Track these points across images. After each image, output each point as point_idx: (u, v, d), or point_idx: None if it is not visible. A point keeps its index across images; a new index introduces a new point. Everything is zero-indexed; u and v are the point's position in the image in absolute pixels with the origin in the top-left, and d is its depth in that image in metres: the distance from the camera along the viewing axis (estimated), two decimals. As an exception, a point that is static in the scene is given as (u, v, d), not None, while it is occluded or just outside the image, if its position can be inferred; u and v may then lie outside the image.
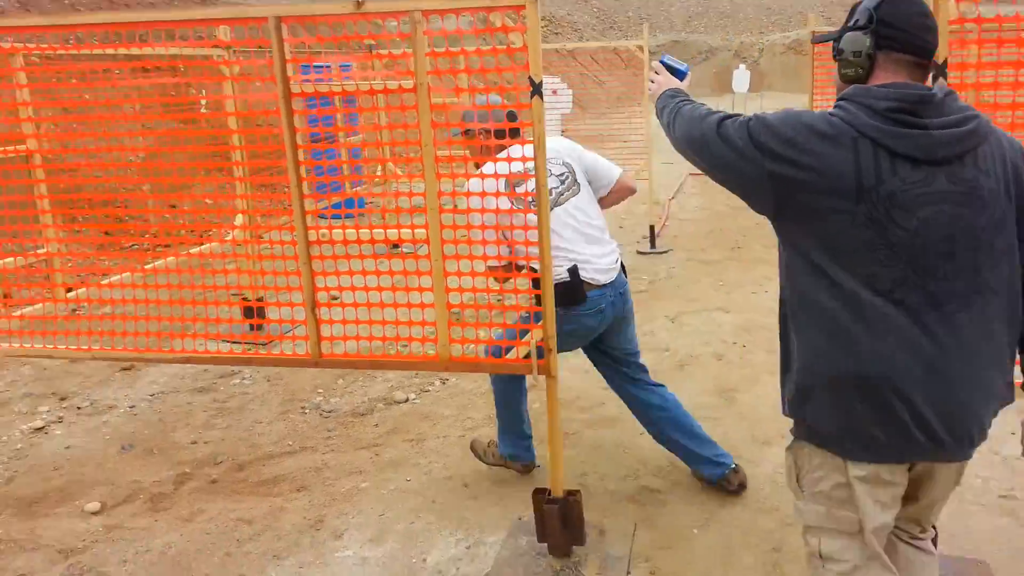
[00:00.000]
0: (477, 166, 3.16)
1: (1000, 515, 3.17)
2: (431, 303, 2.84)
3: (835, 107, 1.75)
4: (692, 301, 6.23)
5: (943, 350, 1.63)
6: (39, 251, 4.03)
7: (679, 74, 2.29)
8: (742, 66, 20.62)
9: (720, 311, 5.97)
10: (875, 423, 1.65)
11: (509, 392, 3.36)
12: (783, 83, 31.09)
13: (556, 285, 2.74)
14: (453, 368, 2.91)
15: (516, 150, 2.92)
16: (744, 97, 19.58)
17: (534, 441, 3.57)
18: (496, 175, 2.84)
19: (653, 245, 7.96)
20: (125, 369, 5.12)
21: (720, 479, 3.31)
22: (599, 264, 3.06)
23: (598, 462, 3.74)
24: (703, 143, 1.84)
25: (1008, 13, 2.83)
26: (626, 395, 3.41)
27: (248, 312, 5.17)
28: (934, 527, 2.05)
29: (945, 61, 2.51)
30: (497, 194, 2.93)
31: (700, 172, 1.93)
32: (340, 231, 2.85)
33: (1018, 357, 1.84)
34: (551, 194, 2.92)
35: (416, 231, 2.83)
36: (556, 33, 29.71)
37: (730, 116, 1.83)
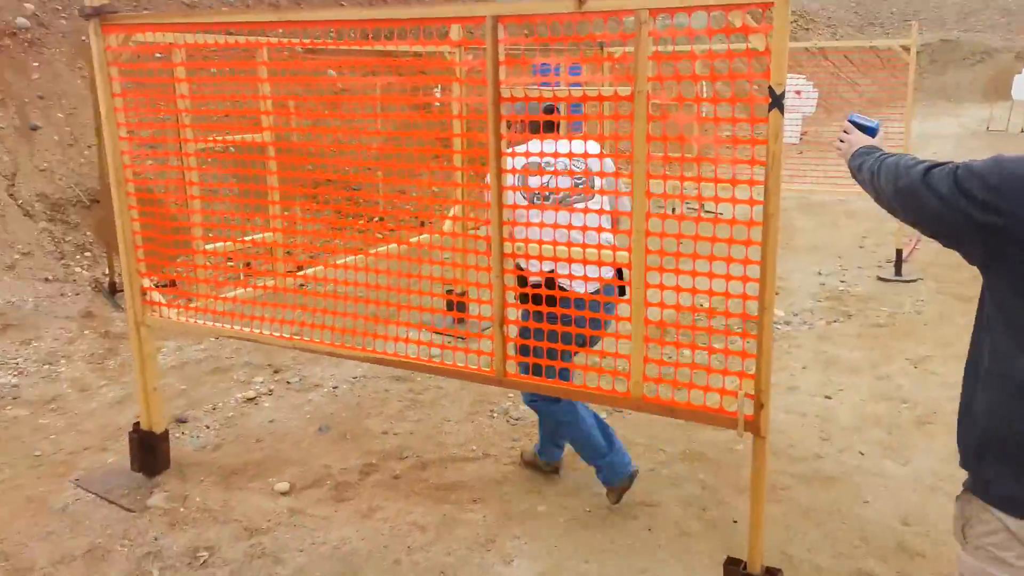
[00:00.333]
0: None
1: None
2: (626, 334, 2.54)
3: None
4: (943, 345, 5.36)
5: None
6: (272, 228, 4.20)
7: (870, 131, 2.19)
8: (1025, 70, 17.93)
9: (975, 362, 5.07)
10: None
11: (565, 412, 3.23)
12: (1078, 91, 26.73)
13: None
14: (645, 408, 2.60)
15: (535, 144, 2.85)
16: (1025, 106, 17.04)
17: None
18: (514, 170, 2.79)
19: (899, 272, 7.04)
20: (335, 348, 5.33)
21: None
22: (579, 272, 2.82)
23: (807, 529, 3.25)
24: (909, 193, 1.75)
25: None
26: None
27: (451, 305, 5.19)
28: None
29: None
30: (513, 188, 2.83)
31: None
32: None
33: None
34: (557, 193, 2.90)
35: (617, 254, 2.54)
36: (806, 29, 27.67)
37: (937, 165, 1.72)
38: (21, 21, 8.31)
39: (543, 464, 3.74)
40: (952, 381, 4.73)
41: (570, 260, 2.74)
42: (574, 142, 2.99)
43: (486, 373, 2.82)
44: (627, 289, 3.07)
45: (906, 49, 6.75)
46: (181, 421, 4.31)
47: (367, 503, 3.51)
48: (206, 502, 3.47)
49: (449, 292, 5.07)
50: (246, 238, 3.88)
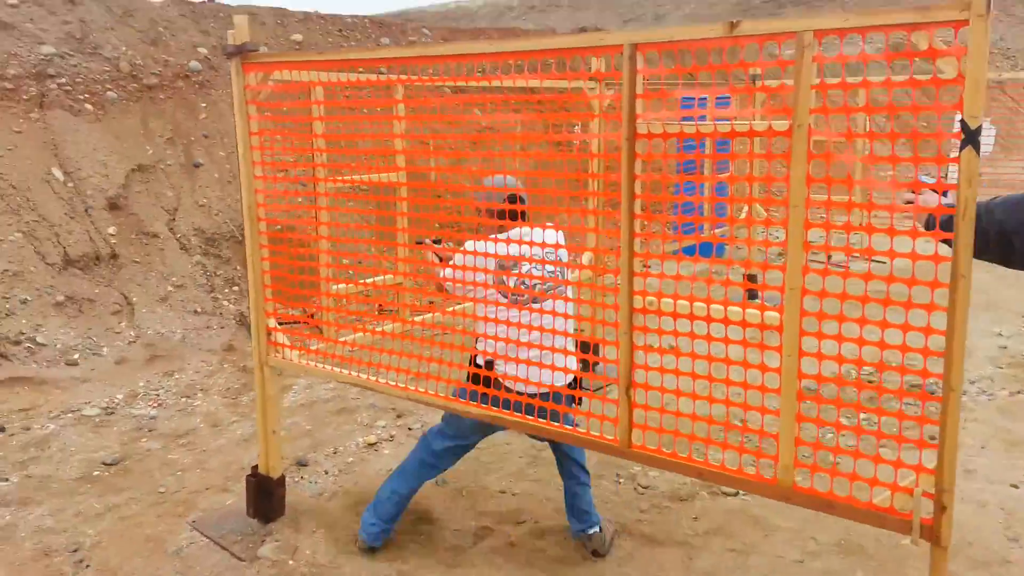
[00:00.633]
0: None
1: None
2: (774, 410, 2.17)
3: None
4: None
5: None
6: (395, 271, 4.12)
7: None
8: None
9: None
10: None
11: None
12: None
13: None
14: (795, 500, 2.20)
15: (515, 232, 2.85)
16: None
17: None
18: (485, 254, 2.77)
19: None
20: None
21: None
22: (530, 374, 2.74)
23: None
24: None
25: None
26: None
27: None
28: None
29: None
30: (486, 274, 2.82)
31: None
32: (671, 300, 2.31)
33: None
34: (534, 286, 2.87)
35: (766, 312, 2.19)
36: (980, 67, 25.58)
37: None
38: (194, 65, 8.94)
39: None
40: None
41: (524, 362, 2.71)
42: (545, 232, 2.92)
43: (609, 442, 2.52)
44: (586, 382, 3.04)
45: (1112, 84, 5.92)
46: (302, 464, 4.25)
47: (478, 574, 3.25)
48: (315, 557, 3.33)
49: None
50: (370, 280, 3.79)
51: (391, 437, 4.59)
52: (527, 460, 4.28)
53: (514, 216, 2.93)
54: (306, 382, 5.49)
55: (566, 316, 2.68)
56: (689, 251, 7.71)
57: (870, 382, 2.26)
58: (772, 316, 2.18)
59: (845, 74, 1.99)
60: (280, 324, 3.58)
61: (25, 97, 7.57)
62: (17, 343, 5.53)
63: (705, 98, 6.63)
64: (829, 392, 2.19)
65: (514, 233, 2.89)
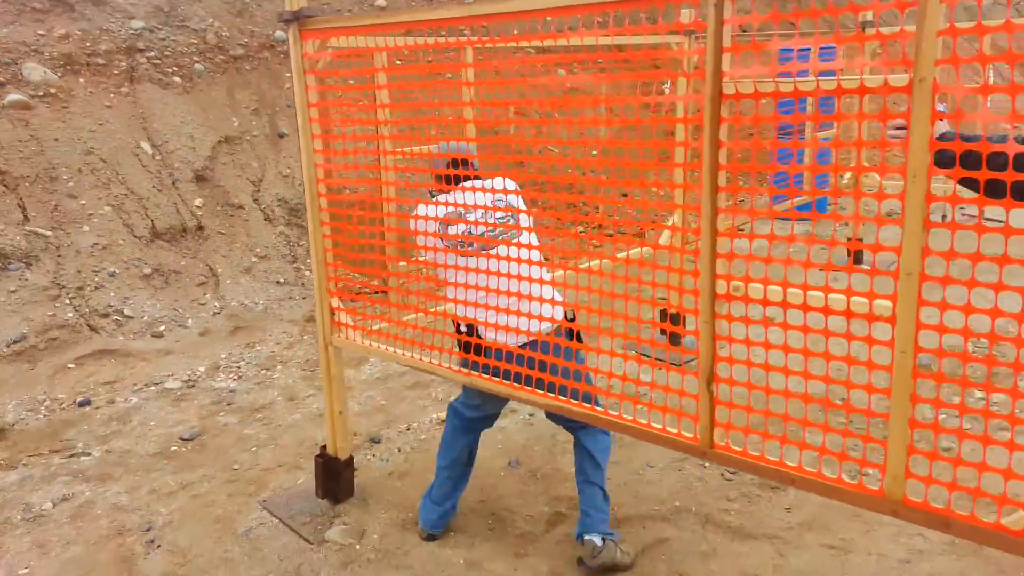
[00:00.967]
0: None
1: None
2: (883, 413, 1.87)
3: None
4: None
5: None
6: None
7: None
8: None
9: None
10: None
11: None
12: None
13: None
14: (905, 515, 1.90)
15: (456, 194, 2.87)
16: None
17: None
18: (427, 217, 2.88)
19: None
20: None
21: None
22: (508, 322, 2.67)
23: None
24: None
25: None
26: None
27: (666, 318, 4.63)
28: None
29: None
30: (428, 234, 2.92)
31: None
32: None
33: None
34: (477, 240, 2.83)
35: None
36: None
37: None
38: (279, 34, 8.93)
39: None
40: None
41: (493, 308, 2.66)
42: (493, 181, 2.86)
43: (688, 440, 2.26)
44: (582, 335, 2.87)
45: None
46: (375, 441, 4.16)
47: (548, 564, 3.07)
48: (382, 542, 3.22)
49: (663, 300, 4.50)
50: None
51: (465, 415, 4.45)
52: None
53: (457, 180, 2.90)
54: (383, 355, 5.42)
55: (529, 262, 2.60)
56: (799, 208, 7.21)
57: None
58: (883, 305, 1.86)
59: (981, 16, 1.64)
60: (351, 292, 3.44)
61: (116, 72, 7.72)
62: (105, 315, 5.66)
63: (807, 49, 6.10)
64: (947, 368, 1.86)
65: (454, 194, 2.89)
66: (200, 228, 6.94)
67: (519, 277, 2.59)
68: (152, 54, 8.11)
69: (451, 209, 2.88)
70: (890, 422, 1.87)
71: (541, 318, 2.62)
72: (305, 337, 5.84)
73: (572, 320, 2.89)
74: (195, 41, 8.55)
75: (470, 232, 2.87)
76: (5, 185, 6.18)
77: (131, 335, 5.60)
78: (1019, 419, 1.70)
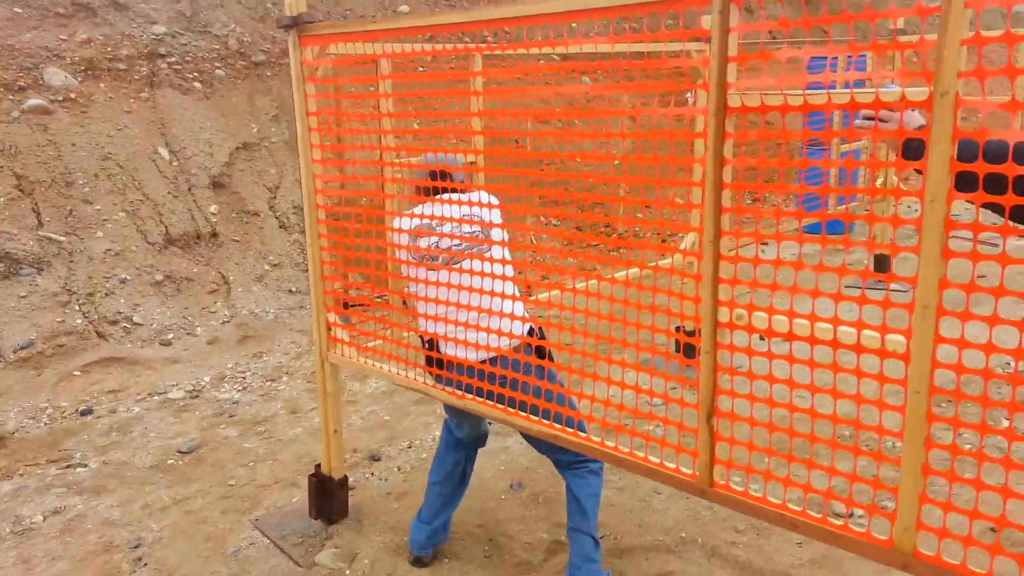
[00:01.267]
0: None
1: None
2: (893, 458, 1.71)
3: None
4: None
5: None
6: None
7: None
8: None
9: None
10: None
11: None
12: None
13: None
14: (916, 570, 1.73)
15: (430, 206, 2.83)
16: None
17: None
18: (399, 230, 2.85)
19: None
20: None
21: None
22: (467, 337, 2.65)
23: None
24: None
25: None
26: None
27: (681, 346, 4.47)
28: None
29: None
30: (400, 247, 2.89)
31: None
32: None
33: None
34: (445, 254, 2.79)
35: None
36: None
37: None
38: (295, 44, 8.92)
39: None
40: None
41: (454, 323, 2.65)
42: (469, 195, 2.79)
43: (686, 477, 2.12)
44: (553, 354, 2.73)
45: None
46: (375, 459, 4.05)
47: (546, 598, 2.93)
48: (374, 568, 3.10)
49: (678, 331, 4.34)
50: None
51: (469, 433, 4.32)
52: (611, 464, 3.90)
53: (436, 192, 2.86)
54: (390, 368, 5.31)
55: (492, 276, 2.51)
56: (814, 229, 6.99)
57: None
58: (897, 341, 1.71)
59: (1011, 24, 1.49)
60: (346, 306, 3.34)
61: (136, 77, 7.74)
62: (114, 323, 5.62)
63: (836, 59, 5.91)
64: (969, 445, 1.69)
65: (429, 206, 2.85)
66: (214, 235, 6.91)
67: (481, 291, 2.55)
68: (173, 59, 8.12)
69: (423, 222, 2.83)
70: (902, 468, 1.71)
71: (501, 333, 2.54)
72: (313, 348, 5.74)
73: (540, 337, 2.75)
74: (216, 47, 8.56)
75: (438, 245, 2.81)
76: (21, 190, 6.19)
77: (139, 343, 5.55)
78: (1046, 471, 1.54)
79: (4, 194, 6.06)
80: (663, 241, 6.44)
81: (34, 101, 6.80)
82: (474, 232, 2.79)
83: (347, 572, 3.09)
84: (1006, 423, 1.86)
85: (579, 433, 2.39)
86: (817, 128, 6.91)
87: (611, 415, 2.35)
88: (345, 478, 3.44)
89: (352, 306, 3.38)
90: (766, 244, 7.52)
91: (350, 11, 9.65)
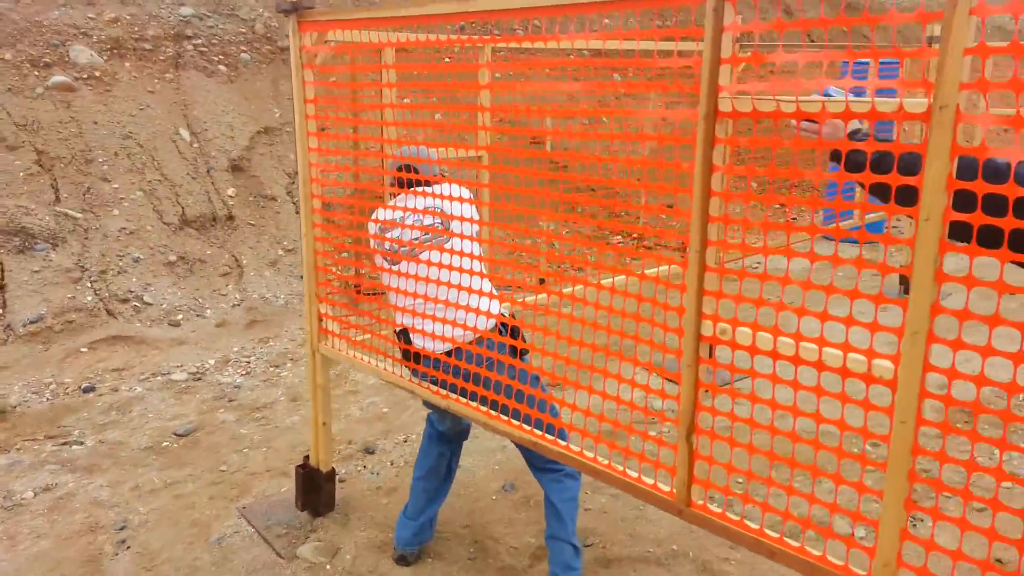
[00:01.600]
0: None
1: None
2: (876, 490, 1.62)
3: None
4: None
5: None
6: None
7: None
8: None
9: None
10: None
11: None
12: None
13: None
14: (899, 610, 1.64)
15: (401, 198, 2.86)
16: None
17: None
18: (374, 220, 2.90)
19: None
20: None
21: None
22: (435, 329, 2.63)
23: None
24: None
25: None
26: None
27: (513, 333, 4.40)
28: None
29: None
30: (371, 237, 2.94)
31: None
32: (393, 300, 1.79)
33: None
34: (405, 247, 2.78)
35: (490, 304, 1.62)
36: None
37: None
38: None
39: None
40: None
41: (419, 315, 2.68)
42: (435, 187, 2.80)
43: (664, 495, 2.04)
44: (526, 355, 2.69)
45: None
46: (369, 452, 4.01)
47: (526, 606, 2.87)
48: (355, 564, 3.06)
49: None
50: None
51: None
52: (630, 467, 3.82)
53: (403, 185, 2.85)
54: (395, 360, 5.27)
55: (451, 268, 2.49)
56: (831, 218, 6.81)
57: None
58: (884, 366, 1.61)
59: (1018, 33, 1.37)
60: (359, 293, 3.28)
61: (162, 58, 7.76)
62: (125, 301, 5.65)
63: (868, 64, 5.72)
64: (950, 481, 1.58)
65: (400, 198, 2.87)
66: (230, 218, 6.91)
67: (438, 283, 2.54)
68: (199, 41, 8.13)
69: (389, 216, 2.85)
70: (884, 501, 1.61)
71: (456, 324, 2.53)
72: (321, 335, 5.73)
73: (509, 331, 2.68)
74: (243, 30, 8.56)
75: (400, 238, 2.81)
76: (41, 165, 6.24)
77: (148, 322, 5.57)
78: (1033, 515, 1.43)
79: (24, 169, 6.11)
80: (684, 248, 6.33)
81: (58, 78, 6.85)
82: (434, 224, 2.77)
83: (328, 567, 3.05)
84: (995, 460, 1.76)
85: (559, 441, 2.32)
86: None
87: (591, 424, 2.27)
88: (333, 471, 3.40)
89: (370, 293, 3.32)
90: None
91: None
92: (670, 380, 2.24)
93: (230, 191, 7.12)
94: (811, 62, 1.64)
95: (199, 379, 4.87)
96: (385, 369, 2.93)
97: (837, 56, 1.62)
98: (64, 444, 4.00)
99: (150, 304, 5.70)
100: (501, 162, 3.56)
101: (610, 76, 9.41)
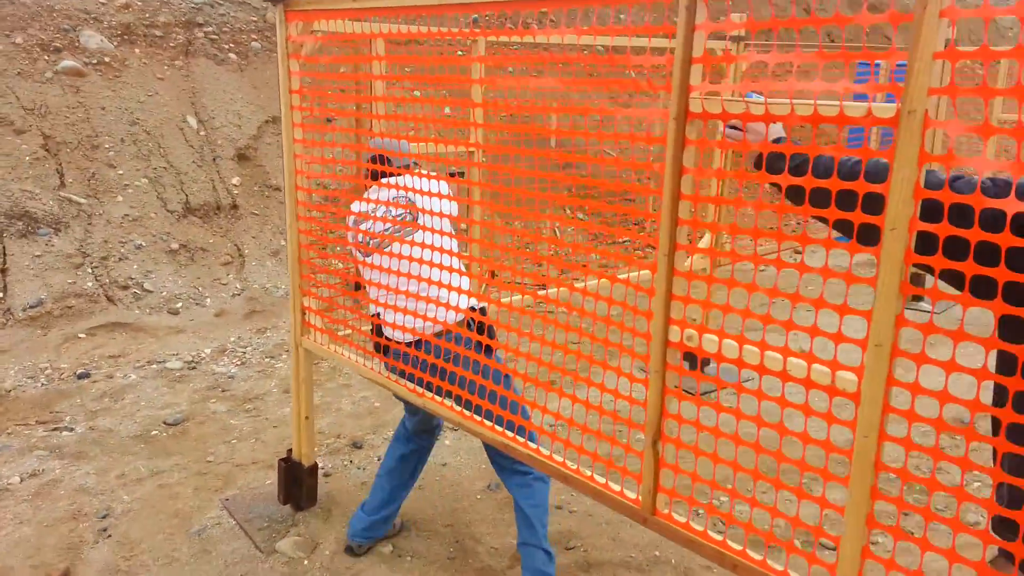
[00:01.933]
0: None
1: None
2: (839, 506, 1.57)
3: None
4: None
5: None
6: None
7: None
8: None
9: None
10: None
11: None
12: None
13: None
14: (858, 630, 1.59)
15: (373, 190, 2.86)
16: None
17: None
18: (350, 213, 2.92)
19: None
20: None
21: None
22: (399, 320, 2.68)
23: None
24: None
25: None
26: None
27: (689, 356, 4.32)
28: None
29: None
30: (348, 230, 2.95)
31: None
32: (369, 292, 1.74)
33: None
34: (375, 239, 2.79)
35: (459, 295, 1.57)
36: None
37: None
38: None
39: None
40: None
41: (385, 306, 2.73)
42: (402, 179, 2.76)
43: (630, 502, 2.00)
44: (498, 354, 2.68)
45: None
46: (356, 447, 4.00)
47: (501, 607, 2.84)
48: (333, 560, 3.04)
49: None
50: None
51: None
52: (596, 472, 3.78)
53: (375, 176, 2.83)
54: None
55: (420, 261, 2.48)
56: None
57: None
58: (847, 379, 1.56)
59: (988, 38, 1.32)
60: (358, 288, 3.26)
61: (172, 45, 7.77)
62: (125, 288, 5.66)
63: (879, 66, 5.61)
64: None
65: (372, 190, 2.87)
66: (234, 207, 6.92)
67: (402, 274, 2.56)
68: (210, 29, 8.14)
69: (363, 207, 2.87)
70: (846, 517, 1.57)
71: (417, 315, 2.54)
72: (320, 326, 5.72)
73: (479, 331, 2.62)
74: (255, 19, 8.55)
75: (372, 229, 2.81)
76: (47, 150, 6.26)
77: (147, 310, 5.58)
78: (992, 538, 1.38)
79: (30, 153, 6.13)
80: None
81: (68, 63, 6.87)
82: (400, 215, 2.77)
83: (305, 562, 3.04)
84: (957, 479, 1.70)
85: (529, 444, 2.28)
86: (855, 144, 6.62)
87: (561, 429, 2.23)
88: (315, 465, 3.38)
89: (358, 287, 3.30)
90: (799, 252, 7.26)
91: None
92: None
93: (235, 180, 7.12)
94: (781, 63, 1.58)
95: (194, 368, 4.88)
96: (364, 365, 2.90)
97: (807, 58, 1.56)
98: (55, 430, 4.02)
99: (150, 291, 5.72)
100: (491, 159, 3.53)
101: (623, 73, 9.32)
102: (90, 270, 5.65)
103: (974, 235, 1.33)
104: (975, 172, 1.37)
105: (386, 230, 2.78)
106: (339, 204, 3.05)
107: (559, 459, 2.20)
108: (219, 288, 6.08)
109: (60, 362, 4.81)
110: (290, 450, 3.39)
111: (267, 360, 5.06)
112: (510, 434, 2.32)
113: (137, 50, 7.52)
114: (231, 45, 8.26)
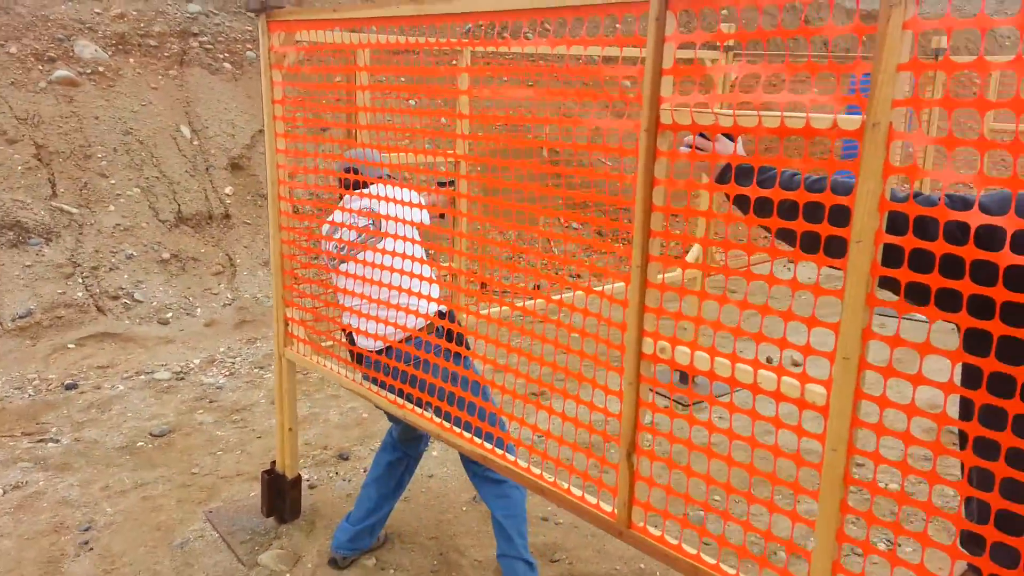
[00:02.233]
0: None
1: None
2: (808, 519, 1.55)
3: None
4: None
5: None
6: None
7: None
8: None
9: None
10: None
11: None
12: None
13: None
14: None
15: (346, 200, 2.89)
16: None
17: None
18: (332, 222, 2.93)
19: None
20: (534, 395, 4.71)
21: None
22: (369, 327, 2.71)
23: None
24: None
25: None
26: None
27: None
28: None
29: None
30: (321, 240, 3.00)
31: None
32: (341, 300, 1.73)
33: None
34: (343, 248, 2.83)
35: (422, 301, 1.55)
36: None
37: None
38: (328, 32, 8.88)
39: None
40: None
41: (353, 313, 2.76)
42: (372, 188, 2.78)
43: (605, 515, 1.98)
44: (470, 360, 2.63)
45: None
46: (343, 458, 3.98)
47: (481, 622, 2.82)
48: (315, 574, 3.02)
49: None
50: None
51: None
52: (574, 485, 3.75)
53: (346, 186, 2.88)
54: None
55: (382, 268, 2.51)
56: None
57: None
58: (816, 392, 1.55)
59: (950, 49, 1.31)
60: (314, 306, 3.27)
61: (167, 54, 7.79)
62: (115, 298, 5.65)
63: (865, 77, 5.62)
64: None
65: (345, 199, 2.91)
66: (226, 216, 6.91)
67: (372, 282, 2.58)
68: (205, 39, 8.15)
69: (337, 218, 2.91)
70: (816, 531, 1.55)
71: (387, 323, 2.57)
72: (311, 336, 5.71)
73: (449, 338, 2.61)
74: (250, 28, 8.57)
75: (341, 237, 2.86)
76: (39, 159, 6.27)
77: (137, 320, 5.57)
78: (960, 552, 1.36)
79: (22, 163, 6.14)
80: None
81: (62, 72, 6.88)
82: (367, 224, 2.79)
83: (287, 575, 3.01)
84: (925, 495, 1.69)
85: (507, 456, 2.26)
86: (850, 155, 6.64)
87: (538, 441, 2.21)
88: (299, 478, 3.36)
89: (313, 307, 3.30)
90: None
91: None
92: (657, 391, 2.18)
93: (228, 189, 7.12)
94: (750, 74, 1.57)
95: (182, 379, 4.86)
96: (346, 376, 2.89)
97: (777, 69, 1.55)
98: (40, 441, 4.00)
99: (140, 301, 5.70)
100: (476, 170, 3.52)
101: (618, 84, 9.32)
102: (80, 280, 5.64)
103: (938, 247, 1.33)
104: (938, 186, 1.36)
105: (356, 239, 2.80)
106: (325, 215, 3.05)
107: (537, 471, 2.18)
108: (210, 298, 6.06)
109: (48, 373, 4.80)
110: (274, 462, 3.37)
111: (256, 371, 5.05)
112: (488, 446, 2.31)
113: (131, 60, 7.54)
114: (226, 55, 8.28)
